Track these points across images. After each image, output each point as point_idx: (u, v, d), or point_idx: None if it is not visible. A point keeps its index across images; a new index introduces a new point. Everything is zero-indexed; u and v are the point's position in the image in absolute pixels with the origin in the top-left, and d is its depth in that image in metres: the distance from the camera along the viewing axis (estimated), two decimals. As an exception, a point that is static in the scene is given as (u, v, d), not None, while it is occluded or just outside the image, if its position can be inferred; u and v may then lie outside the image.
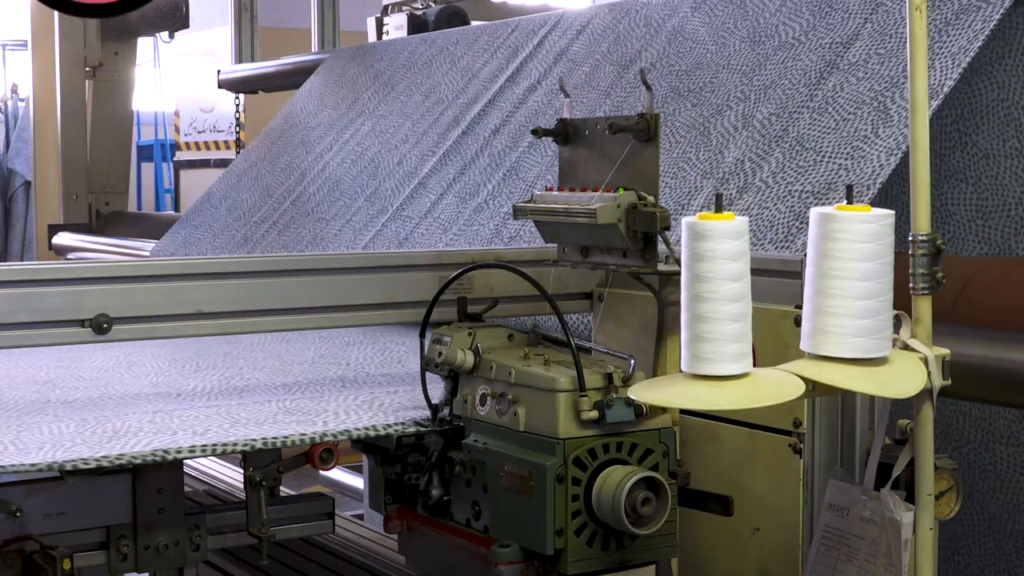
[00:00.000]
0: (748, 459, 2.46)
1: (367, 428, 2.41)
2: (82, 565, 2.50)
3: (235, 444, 2.29)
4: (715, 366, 1.93)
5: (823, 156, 3.04)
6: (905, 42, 2.12)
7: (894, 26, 3.21)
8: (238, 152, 7.83)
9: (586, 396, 2.18)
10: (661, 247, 2.39)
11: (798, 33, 3.50)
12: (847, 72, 3.22)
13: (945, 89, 2.90)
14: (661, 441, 2.24)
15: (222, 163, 9.35)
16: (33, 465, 2.15)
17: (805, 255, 2.04)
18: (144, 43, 9.12)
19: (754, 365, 1.97)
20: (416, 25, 6.39)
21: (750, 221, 1.99)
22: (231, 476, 4.12)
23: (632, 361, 2.24)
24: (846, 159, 2.98)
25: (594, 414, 2.18)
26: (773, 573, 2.43)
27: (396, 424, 2.43)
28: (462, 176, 4.29)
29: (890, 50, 3.17)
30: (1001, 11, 2.95)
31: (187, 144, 11.37)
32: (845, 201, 2.00)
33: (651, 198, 2.39)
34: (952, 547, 3.22)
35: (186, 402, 2.66)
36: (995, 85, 3.14)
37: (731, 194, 3.16)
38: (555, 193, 2.56)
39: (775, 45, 3.53)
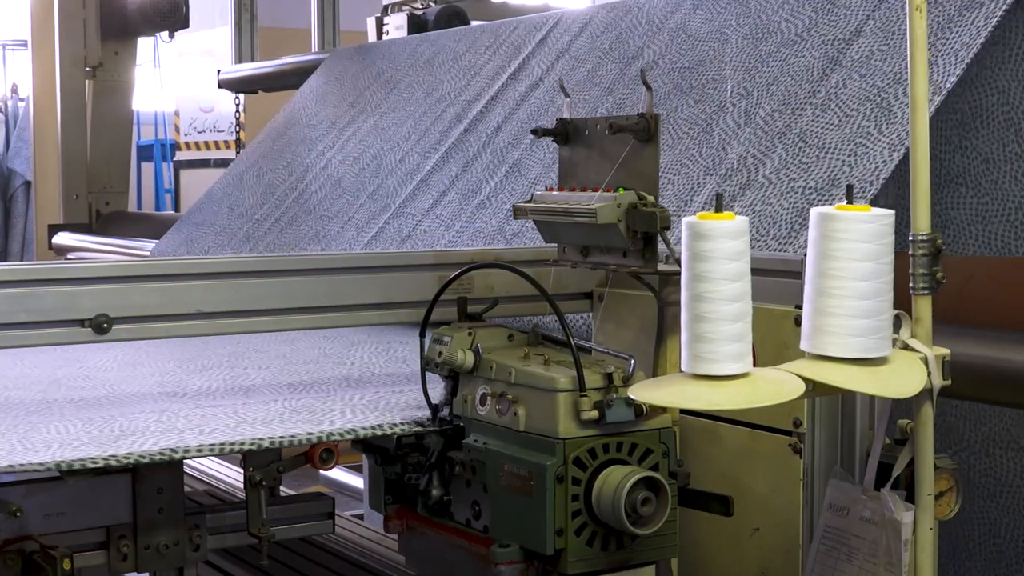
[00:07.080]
0: (748, 459, 2.46)
1: (369, 428, 2.41)
2: (82, 565, 2.49)
3: (241, 443, 2.29)
4: (715, 366, 1.93)
5: (826, 153, 3.04)
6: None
7: (897, 22, 3.21)
8: (238, 152, 7.84)
9: (586, 396, 2.18)
10: (661, 247, 2.39)
11: (800, 30, 3.50)
12: (850, 68, 3.21)
13: (947, 87, 2.89)
14: (661, 441, 2.23)
15: (222, 163, 9.35)
16: (40, 464, 2.14)
17: (805, 255, 2.04)
18: (144, 43, 9.11)
19: (754, 365, 1.97)
20: (416, 25, 6.39)
21: (752, 219, 1.99)
22: (231, 476, 4.11)
23: (632, 361, 2.24)
24: (848, 156, 2.98)
25: (594, 414, 2.18)
26: (773, 573, 2.43)
27: (396, 424, 2.43)
28: (464, 174, 4.29)
29: (893, 46, 3.16)
30: (1004, 7, 2.94)
31: (187, 144, 11.36)
32: (846, 200, 2.00)
33: (651, 198, 2.39)
34: (951, 551, 3.21)
35: (191, 402, 2.66)
36: (995, 89, 3.14)
37: (733, 191, 3.15)
38: (555, 193, 2.56)
39: (778, 42, 3.53)
